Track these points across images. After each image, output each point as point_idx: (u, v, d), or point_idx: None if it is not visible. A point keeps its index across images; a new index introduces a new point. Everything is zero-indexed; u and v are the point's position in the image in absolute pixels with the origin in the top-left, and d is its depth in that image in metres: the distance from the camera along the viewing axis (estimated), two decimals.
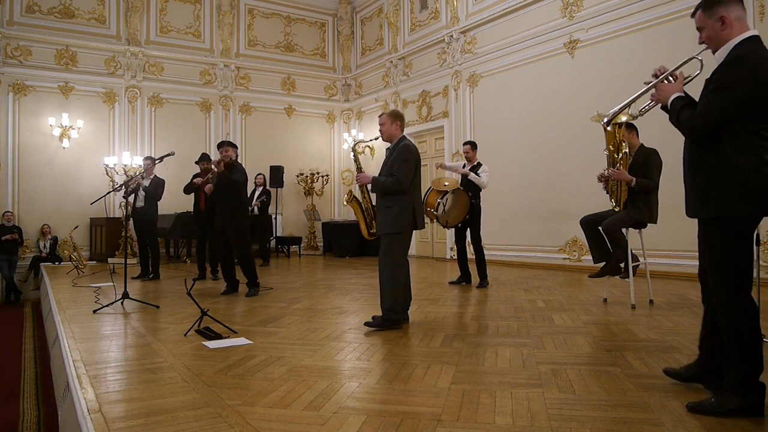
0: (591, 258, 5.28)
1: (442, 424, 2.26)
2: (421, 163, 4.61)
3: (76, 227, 11.03)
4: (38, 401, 4.22)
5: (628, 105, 2.70)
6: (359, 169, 4.78)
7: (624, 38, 8.06)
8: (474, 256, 6.76)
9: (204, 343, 3.80)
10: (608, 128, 2.74)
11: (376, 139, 4.76)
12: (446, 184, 6.65)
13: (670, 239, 7.11)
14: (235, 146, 6.58)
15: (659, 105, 2.55)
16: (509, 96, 9.83)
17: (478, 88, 10.63)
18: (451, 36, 11.09)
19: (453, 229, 6.86)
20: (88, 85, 11.52)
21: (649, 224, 5.05)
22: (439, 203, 6.42)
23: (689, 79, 2.55)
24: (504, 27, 9.99)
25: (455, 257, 7.18)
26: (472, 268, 6.91)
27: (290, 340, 3.90)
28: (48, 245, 10.84)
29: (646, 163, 4.93)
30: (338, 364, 3.28)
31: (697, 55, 2.57)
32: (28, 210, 10.86)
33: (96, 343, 3.90)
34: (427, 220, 7.24)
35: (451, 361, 3.27)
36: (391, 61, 12.88)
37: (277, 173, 12.74)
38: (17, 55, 10.86)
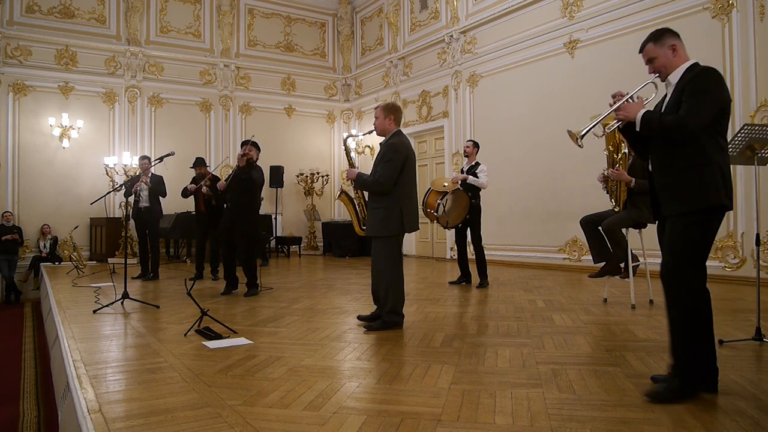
0: (591, 258, 5.28)
1: (442, 424, 2.26)
2: (417, 162, 4.51)
3: (76, 227, 11.03)
4: (38, 401, 4.22)
5: (597, 123, 2.86)
6: (351, 165, 4.75)
7: (624, 38, 8.06)
8: (474, 256, 6.77)
9: (204, 343, 3.80)
10: (581, 144, 2.86)
11: (370, 132, 4.64)
12: (446, 184, 6.65)
13: None
14: (259, 148, 6.56)
15: (621, 124, 2.80)
16: (509, 96, 9.83)
17: (478, 88, 10.63)
18: (451, 36, 11.09)
19: (453, 229, 6.85)
20: (88, 85, 11.52)
21: (649, 224, 5.05)
22: (439, 204, 6.42)
23: (647, 101, 2.80)
24: (504, 27, 9.99)
25: (455, 257, 7.19)
26: (472, 268, 6.91)
27: (290, 340, 3.90)
28: (48, 245, 10.84)
29: (646, 164, 4.92)
30: (338, 364, 3.27)
31: (653, 80, 2.82)
32: (28, 210, 10.86)
33: (96, 343, 3.90)
34: (426, 220, 7.26)
35: (451, 361, 3.27)
36: (391, 61, 12.89)
37: (277, 173, 12.74)
38: (17, 55, 10.87)
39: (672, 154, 2.62)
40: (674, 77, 2.68)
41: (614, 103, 2.78)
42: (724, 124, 2.62)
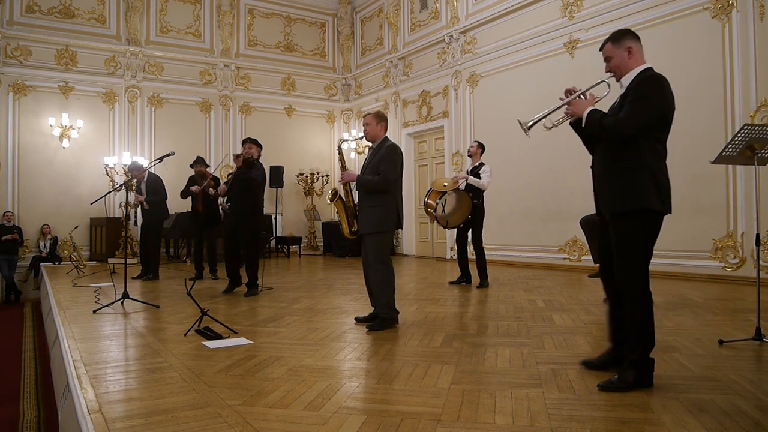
0: (591, 258, 5.28)
1: (442, 424, 2.26)
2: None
3: (76, 227, 11.02)
4: (38, 401, 4.22)
5: (547, 115, 2.98)
6: (344, 168, 4.83)
7: None
8: (474, 256, 6.76)
9: (204, 343, 3.80)
10: (528, 134, 2.97)
11: (361, 138, 4.78)
12: (445, 184, 6.65)
13: (670, 239, 7.09)
14: (260, 145, 6.49)
15: (571, 119, 2.92)
16: (509, 96, 9.83)
17: (478, 88, 10.63)
18: (451, 36, 11.09)
19: (454, 229, 6.85)
20: (88, 85, 11.52)
21: None
22: (437, 203, 6.42)
23: (598, 99, 2.91)
24: (504, 27, 9.99)
25: (455, 257, 7.19)
26: (473, 269, 6.91)
27: (290, 340, 3.90)
28: (48, 245, 10.84)
29: None
30: (338, 364, 3.28)
31: (606, 79, 2.93)
32: (28, 210, 10.85)
33: (96, 343, 3.91)
34: (426, 220, 7.26)
35: (451, 361, 3.27)
36: (391, 61, 12.88)
37: (277, 173, 12.72)
38: (17, 55, 10.86)
39: (610, 155, 2.75)
40: (626, 80, 2.77)
41: (566, 98, 2.90)
42: (665, 132, 2.72)
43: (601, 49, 2.88)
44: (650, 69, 2.74)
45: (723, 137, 6.52)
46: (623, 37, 2.79)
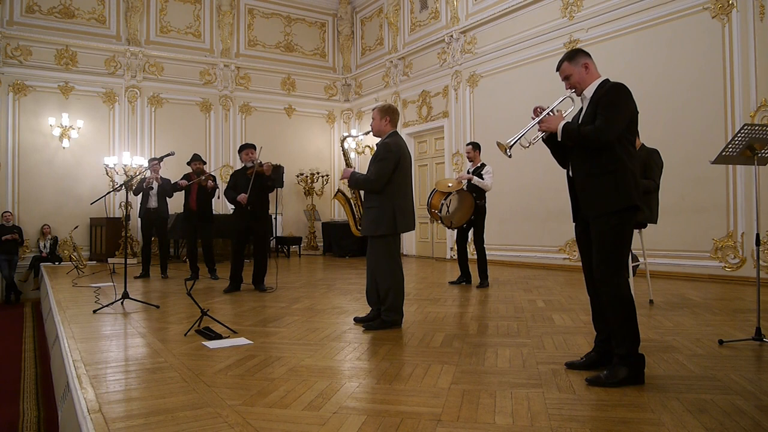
0: None
1: (442, 424, 2.26)
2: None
3: (76, 227, 11.03)
4: (38, 401, 4.22)
5: (523, 135, 3.11)
6: (348, 164, 4.78)
7: (624, 38, 8.05)
8: (475, 256, 6.76)
9: (204, 343, 3.80)
10: (510, 155, 3.11)
11: (367, 133, 4.64)
12: (450, 185, 6.65)
13: (670, 239, 7.11)
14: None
15: (544, 135, 3.08)
16: (509, 96, 9.82)
17: (478, 88, 10.63)
18: (451, 36, 11.09)
19: (455, 229, 6.85)
20: (88, 85, 11.52)
21: (649, 224, 5.05)
22: (442, 204, 6.42)
23: (567, 114, 3.11)
24: (504, 27, 9.99)
25: (455, 257, 7.19)
26: (473, 269, 6.91)
27: (290, 340, 3.90)
28: (48, 245, 10.84)
29: (647, 164, 4.92)
30: (338, 364, 3.28)
31: (569, 95, 3.13)
32: (28, 210, 10.85)
33: (96, 343, 3.91)
34: (426, 220, 7.26)
35: (451, 361, 3.27)
36: (391, 61, 12.88)
37: (276, 173, 12.69)
38: (17, 55, 10.86)
39: (590, 161, 2.89)
40: (588, 92, 2.98)
41: (536, 116, 3.07)
42: (634, 134, 2.95)
43: (557, 70, 3.08)
44: (608, 80, 2.95)
45: (723, 137, 6.52)
46: (577, 56, 3.03)
